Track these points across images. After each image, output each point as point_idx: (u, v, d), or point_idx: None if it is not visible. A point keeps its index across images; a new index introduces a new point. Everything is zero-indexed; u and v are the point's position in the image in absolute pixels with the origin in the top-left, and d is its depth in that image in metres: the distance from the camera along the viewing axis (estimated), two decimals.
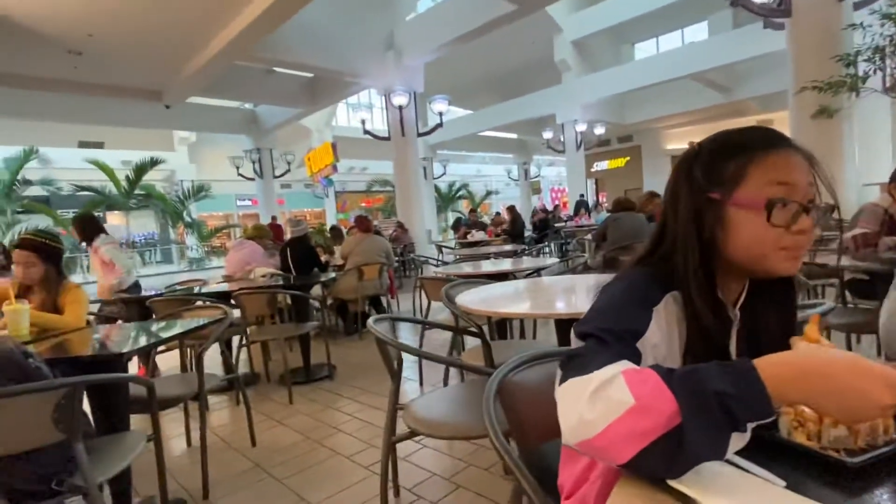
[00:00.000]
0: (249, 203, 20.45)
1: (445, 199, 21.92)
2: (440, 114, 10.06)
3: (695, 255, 0.79)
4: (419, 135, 10.67)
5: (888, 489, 0.59)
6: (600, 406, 0.60)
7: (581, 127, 13.79)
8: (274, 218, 10.05)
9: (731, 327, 0.84)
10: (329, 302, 5.31)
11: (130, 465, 1.79)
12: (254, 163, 14.44)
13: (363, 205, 22.33)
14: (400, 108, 9.99)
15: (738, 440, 0.59)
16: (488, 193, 24.67)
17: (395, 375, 1.83)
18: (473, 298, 2.39)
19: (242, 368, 4.22)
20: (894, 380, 0.53)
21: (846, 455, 0.64)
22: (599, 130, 14.30)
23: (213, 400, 3.60)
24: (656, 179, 16.03)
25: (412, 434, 1.80)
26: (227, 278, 4.78)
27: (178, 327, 2.30)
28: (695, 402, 0.57)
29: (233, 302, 3.65)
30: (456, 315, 2.57)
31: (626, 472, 0.63)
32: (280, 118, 13.79)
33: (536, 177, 22.04)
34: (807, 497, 0.56)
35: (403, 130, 10.22)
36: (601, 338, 0.70)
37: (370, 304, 5.43)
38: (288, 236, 5.41)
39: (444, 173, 17.09)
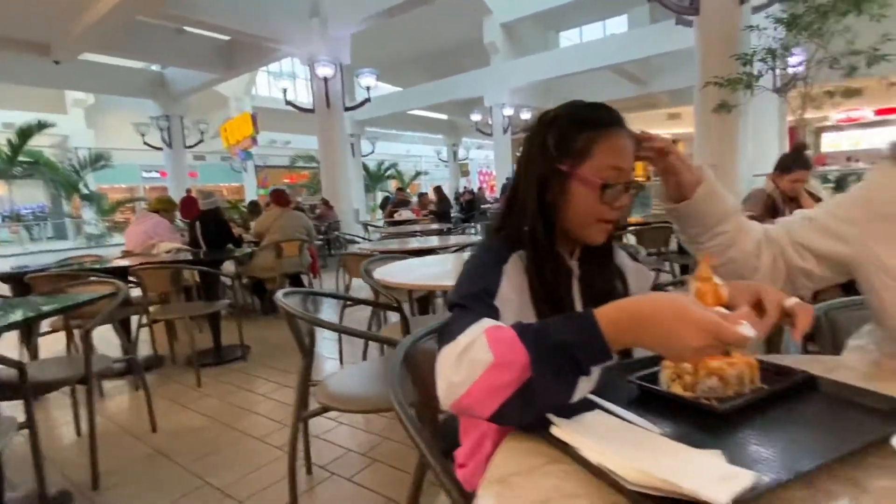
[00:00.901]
0: (157, 175, 18.82)
1: (374, 178, 21.52)
2: (368, 88, 9.76)
3: (535, 216, 0.88)
4: (346, 109, 10.32)
5: (752, 430, 0.64)
6: (465, 367, 0.64)
7: (508, 111, 14.02)
8: (189, 191, 9.28)
9: (571, 279, 0.94)
10: (245, 280, 5.04)
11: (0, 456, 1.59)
12: (162, 131, 13.21)
13: (286, 181, 21.31)
14: (325, 79, 9.58)
15: (586, 384, 0.64)
16: (418, 174, 24.56)
17: (307, 351, 1.76)
18: (392, 272, 2.35)
19: (145, 350, 3.91)
20: (707, 324, 0.57)
21: (717, 403, 0.69)
22: (526, 115, 14.60)
23: (110, 385, 3.31)
24: None
25: (324, 409, 1.75)
26: (127, 254, 4.37)
27: (59, 303, 2.06)
28: (542, 352, 0.61)
29: (132, 279, 3.35)
30: (376, 291, 2.52)
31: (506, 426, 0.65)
32: (192, 83, 12.69)
33: (465, 159, 22.20)
34: (679, 441, 0.60)
35: (329, 103, 9.81)
36: (463, 304, 0.78)
37: (291, 283, 5.21)
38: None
39: (372, 151, 16.72)
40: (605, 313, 0.63)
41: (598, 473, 0.53)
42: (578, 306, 0.94)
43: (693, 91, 6.67)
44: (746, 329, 0.58)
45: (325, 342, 3.98)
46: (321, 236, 8.11)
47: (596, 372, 0.65)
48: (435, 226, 6.75)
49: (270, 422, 2.66)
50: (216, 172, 20.51)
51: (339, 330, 1.73)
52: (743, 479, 0.50)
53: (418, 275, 2.37)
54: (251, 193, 19.19)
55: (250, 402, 2.98)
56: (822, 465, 0.54)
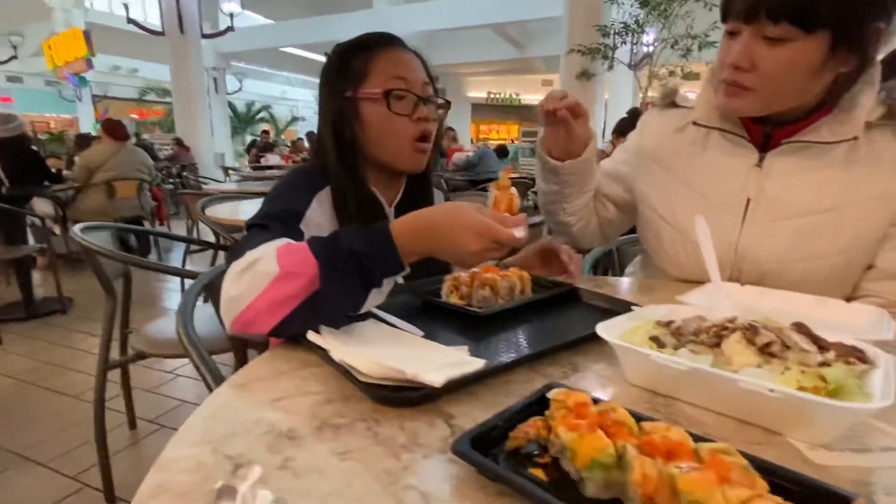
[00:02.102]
0: None
1: (243, 120, 19.57)
2: (231, 16, 8.70)
3: (333, 152, 0.88)
4: (204, 36, 9.11)
5: (506, 330, 0.69)
6: (247, 280, 0.60)
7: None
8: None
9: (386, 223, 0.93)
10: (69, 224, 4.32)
11: None
12: None
13: (134, 116, 18.52)
14: None
15: (376, 295, 0.64)
16: (294, 119, 22.86)
17: (111, 291, 1.56)
18: (235, 213, 2.17)
19: None
20: (481, 228, 0.60)
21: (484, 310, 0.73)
22: None
23: None
24: (458, 122, 16.98)
25: (138, 356, 1.59)
26: None
27: None
28: (332, 262, 0.59)
29: None
30: (217, 233, 2.32)
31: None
32: None
33: None
34: (437, 342, 0.62)
35: (182, 27, 8.58)
36: (263, 224, 0.75)
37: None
38: None
39: (239, 89, 15.13)
40: (398, 226, 0.63)
41: (343, 371, 0.53)
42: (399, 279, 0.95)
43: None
44: (518, 231, 0.62)
45: (172, 294, 3.63)
46: (174, 179, 7.22)
47: (388, 284, 0.65)
48: None
49: (92, 378, 2.37)
50: (40, 99, 17.04)
51: (135, 263, 1.55)
52: (471, 365, 0.54)
53: None
54: (87, 127, 16.34)
55: (67, 358, 2.62)
56: (545, 352, 0.60)
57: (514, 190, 0.77)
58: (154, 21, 9.30)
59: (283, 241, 0.65)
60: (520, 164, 7.98)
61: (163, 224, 5.34)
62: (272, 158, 7.20)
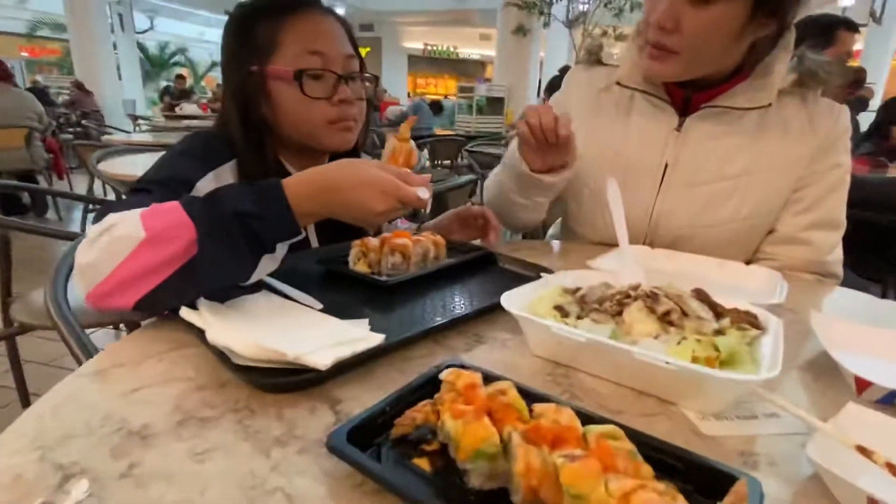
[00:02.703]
0: None
1: (156, 64, 17.69)
2: None
3: (239, 129, 0.78)
4: None
5: (411, 298, 0.65)
6: (103, 246, 0.51)
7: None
8: None
9: None
10: None
11: None
12: None
13: (24, 54, 16.23)
14: None
15: (269, 262, 0.57)
16: (214, 64, 20.91)
17: None
18: (137, 167, 1.96)
19: None
20: (387, 187, 0.56)
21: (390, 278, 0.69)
22: (340, 11, 13.40)
23: None
24: (394, 73, 16.38)
25: (22, 330, 1.42)
26: None
27: None
28: (214, 225, 0.52)
29: None
30: (117, 191, 2.10)
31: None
32: None
33: None
34: (338, 314, 0.56)
35: None
36: (144, 188, 0.65)
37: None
38: None
39: (149, 28, 13.62)
40: (291, 184, 0.56)
41: (219, 354, 0.47)
42: (314, 241, 0.87)
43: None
44: (422, 192, 0.59)
45: None
46: (75, 128, 6.44)
47: (281, 249, 0.58)
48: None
49: None
50: None
51: (4, 225, 1.36)
52: (366, 342, 0.49)
53: None
54: None
55: None
56: (449, 323, 0.57)
57: (413, 143, 0.72)
58: None
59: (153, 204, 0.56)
60: (456, 121, 7.84)
61: (62, 179, 4.78)
62: (188, 108, 6.56)
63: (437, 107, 5.94)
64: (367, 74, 0.84)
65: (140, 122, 6.55)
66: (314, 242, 0.88)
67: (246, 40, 0.78)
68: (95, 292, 0.52)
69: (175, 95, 7.74)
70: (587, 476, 0.28)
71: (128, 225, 0.52)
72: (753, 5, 0.74)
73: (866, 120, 2.83)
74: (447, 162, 4.59)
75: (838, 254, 0.89)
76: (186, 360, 0.49)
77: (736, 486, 0.30)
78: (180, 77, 9.02)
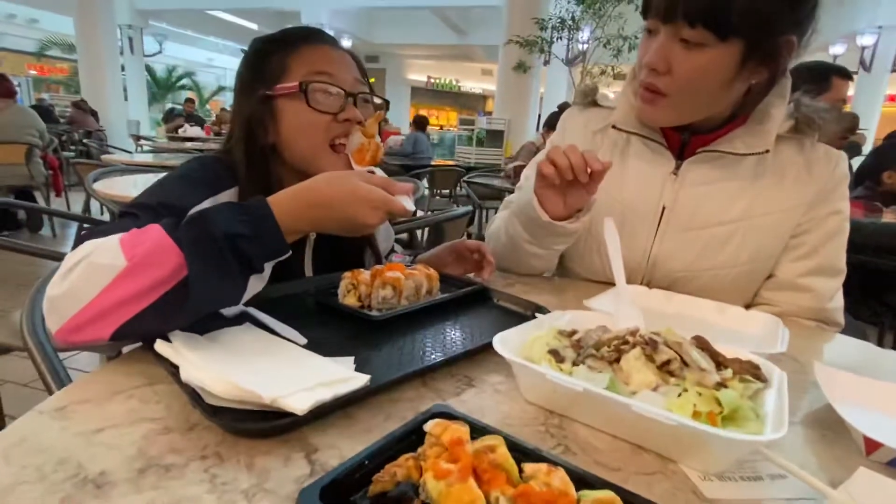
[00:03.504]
0: None
1: (162, 87, 18.01)
2: None
3: (243, 157, 0.77)
4: None
5: (401, 335, 0.62)
6: (79, 276, 0.49)
7: (328, 31, 13.02)
8: None
9: (304, 243, 0.85)
10: None
11: None
12: None
13: (33, 72, 16.48)
14: None
15: (257, 282, 0.56)
16: (221, 89, 21.31)
17: None
18: (134, 187, 1.95)
19: None
20: (377, 202, 0.57)
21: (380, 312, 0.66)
22: (347, 43, 13.76)
23: None
24: (396, 104, 16.67)
25: (1, 350, 1.38)
26: None
27: None
28: (202, 248, 0.50)
29: None
30: (112, 212, 2.08)
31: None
32: None
33: None
34: (323, 350, 0.54)
35: None
36: (132, 213, 0.63)
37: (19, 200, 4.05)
38: None
39: (159, 51, 13.87)
40: (280, 202, 0.56)
41: (191, 392, 0.44)
42: (308, 271, 0.86)
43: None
44: (408, 203, 0.60)
45: None
46: (78, 147, 6.47)
47: (268, 268, 0.57)
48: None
49: None
50: None
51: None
52: (349, 384, 0.46)
53: None
54: None
55: None
56: (437, 365, 0.54)
57: (378, 139, 0.72)
58: None
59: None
60: (456, 152, 7.94)
61: (59, 196, 4.77)
62: (192, 130, 6.63)
63: (420, 123, 5.97)
64: (377, 99, 0.84)
65: (142, 142, 6.59)
66: (308, 272, 0.86)
67: (259, 71, 0.79)
68: (68, 325, 0.50)
69: (184, 117, 7.82)
70: None
71: (106, 253, 0.50)
72: (745, 53, 0.74)
73: (858, 165, 2.86)
74: (446, 191, 4.62)
75: (839, 301, 0.87)
76: (158, 397, 0.46)
77: None
78: (189, 101, 9.14)
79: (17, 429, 0.40)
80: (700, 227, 0.87)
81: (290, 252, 0.57)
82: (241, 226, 0.52)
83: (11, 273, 1.71)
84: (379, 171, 0.67)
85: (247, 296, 0.55)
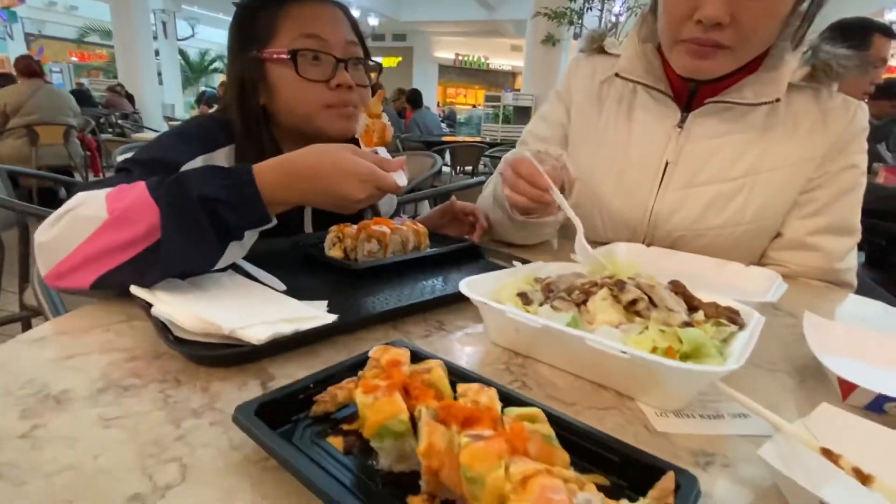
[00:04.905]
0: None
1: (196, 70, 18.37)
2: None
3: (237, 116, 0.77)
4: None
5: (379, 285, 0.62)
6: (65, 226, 0.51)
7: (355, 12, 12.90)
8: None
9: None
10: None
11: None
12: None
13: (74, 59, 17.09)
14: None
15: (237, 249, 0.55)
16: None
17: None
18: None
19: None
20: (366, 175, 0.54)
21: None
22: (373, 21, 13.69)
23: None
24: (424, 83, 16.53)
25: (32, 314, 1.46)
26: None
27: None
28: (178, 209, 0.50)
29: None
30: None
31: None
32: None
33: None
34: (302, 298, 0.54)
35: None
36: (126, 168, 0.65)
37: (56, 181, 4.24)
38: None
39: (192, 35, 14.16)
40: (264, 170, 0.54)
41: (161, 326, 0.45)
42: (308, 227, 0.86)
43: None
44: (400, 178, 0.58)
45: None
46: (113, 130, 6.71)
47: (250, 236, 0.57)
48: None
49: None
50: None
51: (23, 211, 1.41)
52: (313, 321, 0.47)
53: None
54: None
55: None
56: (409, 308, 0.54)
57: (386, 118, 0.71)
58: None
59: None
60: (482, 129, 7.84)
61: (97, 176, 4.97)
62: None
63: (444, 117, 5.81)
64: (371, 61, 0.83)
65: (173, 123, 6.77)
66: (308, 227, 0.87)
67: (247, 30, 0.78)
68: (53, 272, 0.52)
69: (210, 99, 7.97)
70: (485, 457, 0.25)
71: (92, 205, 0.51)
72: None
73: None
74: (468, 168, 4.58)
75: (851, 261, 0.82)
76: (132, 331, 0.48)
77: (662, 480, 0.26)
78: (223, 84, 9.32)
79: None
80: (704, 183, 0.83)
81: (275, 222, 0.56)
82: (220, 191, 0.51)
83: None
84: (383, 151, 0.64)
85: (224, 261, 0.54)
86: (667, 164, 0.85)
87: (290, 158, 0.55)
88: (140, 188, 0.52)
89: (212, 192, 0.51)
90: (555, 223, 0.81)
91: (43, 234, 0.53)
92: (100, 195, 0.52)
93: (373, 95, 0.85)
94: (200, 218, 0.50)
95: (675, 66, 0.81)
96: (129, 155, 2.00)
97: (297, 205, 0.56)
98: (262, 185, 0.53)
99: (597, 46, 0.97)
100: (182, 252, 0.51)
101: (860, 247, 0.85)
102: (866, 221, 0.85)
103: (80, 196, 0.54)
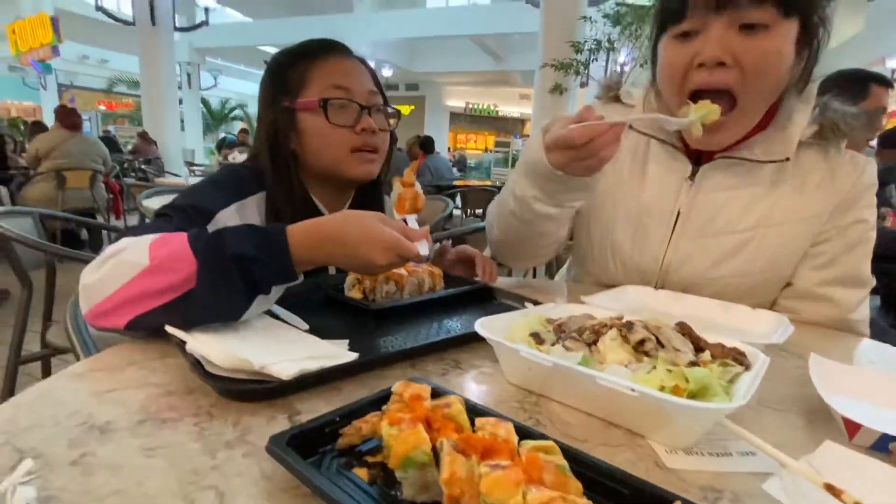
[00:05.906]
0: None
1: (216, 118, 19.17)
2: (206, 10, 8.54)
3: (268, 163, 0.83)
4: (177, 30, 8.91)
5: (397, 325, 0.65)
6: (109, 269, 0.55)
7: (371, 63, 13.56)
8: None
9: None
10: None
11: None
12: None
13: (102, 108, 17.94)
14: None
15: (263, 302, 0.58)
16: None
17: (26, 281, 1.46)
18: None
19: None
20: (390, 243, 0.57)
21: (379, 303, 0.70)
22: (387, 72, 14.30)
23: None
24: (436, 130, 17.01)
25: (55, 352, 1.49)
26: None
27: None
28: (213, 264, 0.54)
29: None
30: None
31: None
32: None
33: None
34: (324, 337, 0.57)
35: (154, 19, 8.36)
36: (166, 214, 0.70)
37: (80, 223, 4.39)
38: None
39: (214, 85, 14.86)
40: (296, 232, 0.58)
41: (193, 362, 0.48)
42: (332, 268, 0.88)
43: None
44: (423, 248, 0.60)
45: None
46: (137, 173, 6.98)
47: (277, 291, 0.60)
48: None
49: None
50: (4, 85, 16.36)
51: (53, 252, 1.46)
52: (337, 359, 0.50)
53: None
54: (50, 115, 15.69)
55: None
56: (425, 348, 0.57)
57: (418, 186, 0.75)
58: (126, 10, 9.05)
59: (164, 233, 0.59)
60: (493, 173, 8.01)
61: (119, 219, 5.13)
62: (240, 157, 7.01)
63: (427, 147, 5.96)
64: (390, 108, 0.89)
65: (193, 168, 7.02)
66: (332, 269, 0.90)
67: (280, 82, 0.84)
68: (94, 311, 0.55)
69: (233, 145, 8.28)
70: (504, 485, 0.27)
71: (136, 251, 0.55)
72: (799, 31, 0.72)
73: None
74: (479, 211, 4.66)
75: (863, 312, 0.83)
76: (166, 368, 0.51)
77: None
78: (243, 131, 9.72)
79: (40, 387, 0.46)
80: (715, 234, 0.85)
81: (301, 279, 0.59)
82: (253, 249, 0.55)
83: (67, 288, 1.82)
84: (411, 220, 0.68)
85: (249, 314, 0.57)
86: (679, 213, 0.87)
87: (322, 223, 0.59)
88: (181, 239, 0.56)
89: (245, 251, 0.54)
90: (589, 191, 0.78)
91: (88, 276, 0.56)
92: (144, 242, 0.56)
93: (391, 141, 0.91)
94: (232, 272, 0.54)
95: (687, 137, 0.82)
96: (154, 199, 2.10)
97: (324, 265, 0.59)
98: (294, 246, 0.57)
99: (613, 94, 0.99)
100: (211, 302, 0.54)
101: (875, 290, 0.86)
102: (877, 266, 0.86)
103: (125, 241, 0.58)
